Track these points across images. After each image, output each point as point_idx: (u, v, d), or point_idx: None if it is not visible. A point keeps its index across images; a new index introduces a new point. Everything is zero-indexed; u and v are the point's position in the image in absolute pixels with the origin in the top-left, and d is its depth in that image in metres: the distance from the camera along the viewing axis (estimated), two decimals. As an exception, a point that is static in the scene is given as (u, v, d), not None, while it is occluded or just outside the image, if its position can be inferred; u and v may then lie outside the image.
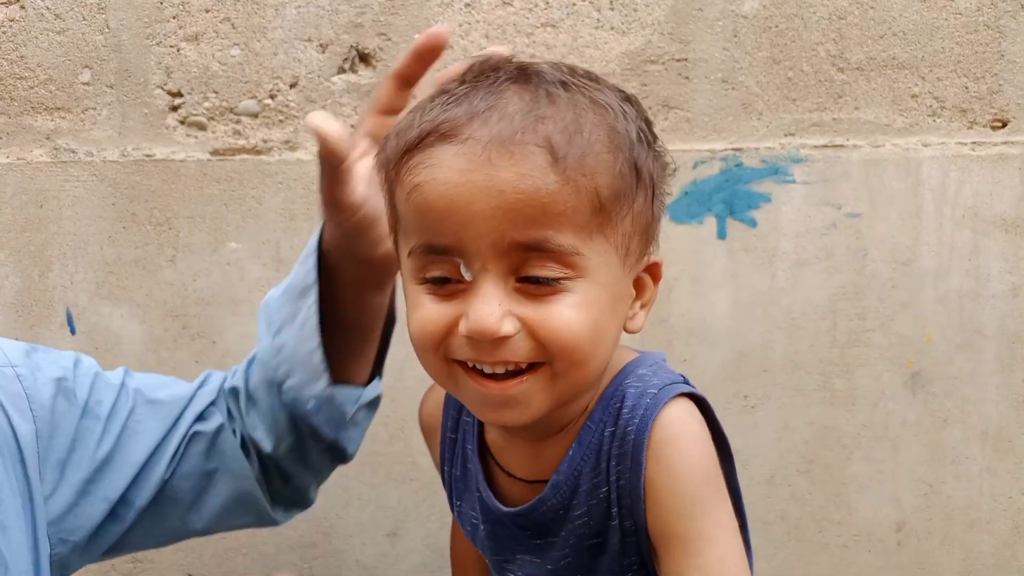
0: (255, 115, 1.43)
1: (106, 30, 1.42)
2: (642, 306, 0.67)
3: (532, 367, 0.60)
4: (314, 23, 1.41)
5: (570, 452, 0.67)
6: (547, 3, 1.37)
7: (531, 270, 0.58)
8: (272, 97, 1.43)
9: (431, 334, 0.61)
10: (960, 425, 1.27)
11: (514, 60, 0.64)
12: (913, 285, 1.28)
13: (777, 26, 1.32)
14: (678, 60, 1.35)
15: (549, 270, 0.58)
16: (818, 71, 1.31)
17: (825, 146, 1.30)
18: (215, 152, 1.43)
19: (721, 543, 0.62)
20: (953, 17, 1.29)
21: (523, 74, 0.61)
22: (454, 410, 0.77)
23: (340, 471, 1.39)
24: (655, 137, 0.66)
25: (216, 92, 1.43)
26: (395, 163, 0.61)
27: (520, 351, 0.59)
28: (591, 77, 0.64)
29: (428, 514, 1.39)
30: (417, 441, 1.37)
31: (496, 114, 0.58)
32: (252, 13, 1.42)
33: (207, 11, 1.43)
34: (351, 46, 1.41)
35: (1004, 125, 1.29)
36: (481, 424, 0.75)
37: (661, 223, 0.68)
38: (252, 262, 1.40)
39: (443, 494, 1.36)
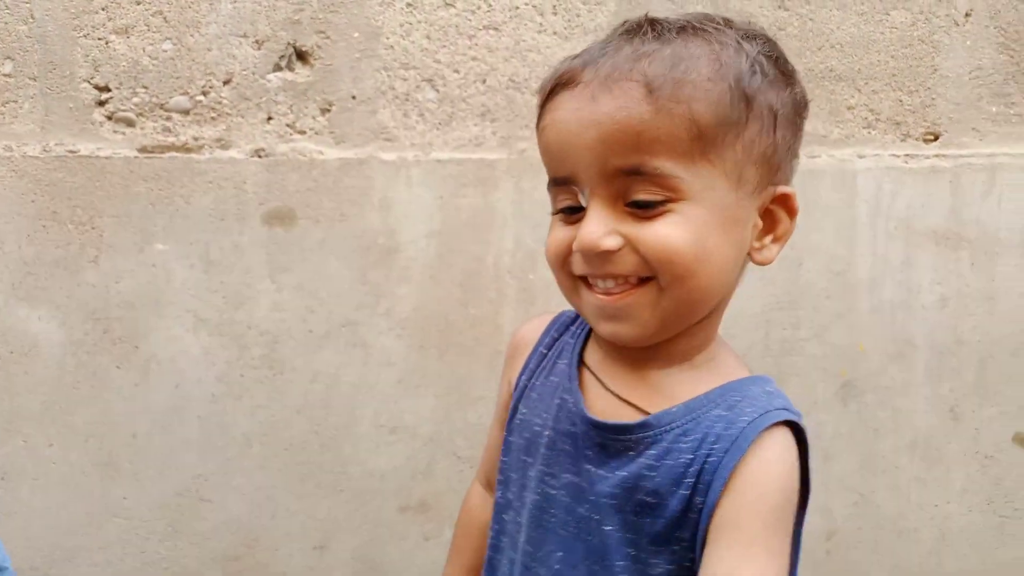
0: (186, 112, 1.40)
1: (30, 20, 1.38)
2: (774, 239, 0.69)
3: (642, 283, 0.65)
4: (250, 19, 1.39)
5: (674, 409, 0.68)
6: (489, 5, 1.37)
7: (635, 194, 0.63)
8: (205, 94, 1.39)
9: (557, 253, 0.69)
10: (891, 435, 1.30)
11: (648, 14, 0.70)
12: (847, 295, 1.30)
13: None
14: (619, 67, 1.36)
15: (651, 193, 0.63)
16: (757, 81, 1.33)
17: (763, 156, 1.32)
18: (143, 149, 1.39)
19: (776, 561, 0.62)
20: (889, 31, 1.33)
21: (647, 23, 0.67)
22: (556, 331, 0.81)
23: (267, 479, 1.36)
24: (785, 73, 0.68)
25: (146, 87, 1.40)
26: (537, 113, 0.70)
27: (626, 264, 0.64)
28: (720, 21, 0.68)
29: (359, 526, 1.36)
30: (350, 450, 1.36)
31: (606, 59, 0.65)
32: (185, 7, 1.39)
33: (138, 3, 1.39)
34: (288, 43, 1.39)
35: (936, 138, 1.32)
36: (583, 344, 0.78)
37: (796, 157, 0.71)
38: (179, 264, 1.37)
39: (375, 505, 1.35)
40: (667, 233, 0.63)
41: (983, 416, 1.29)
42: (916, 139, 1.32)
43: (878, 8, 1.32)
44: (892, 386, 1.30)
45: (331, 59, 1.38)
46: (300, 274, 1.36)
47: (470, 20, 1.37)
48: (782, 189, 0.68)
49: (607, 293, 0.66)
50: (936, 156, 1.31)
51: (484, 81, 1.37)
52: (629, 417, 0.69)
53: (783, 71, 0.69)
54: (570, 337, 0.79)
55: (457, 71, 1.37)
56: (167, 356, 1.38)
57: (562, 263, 0.69)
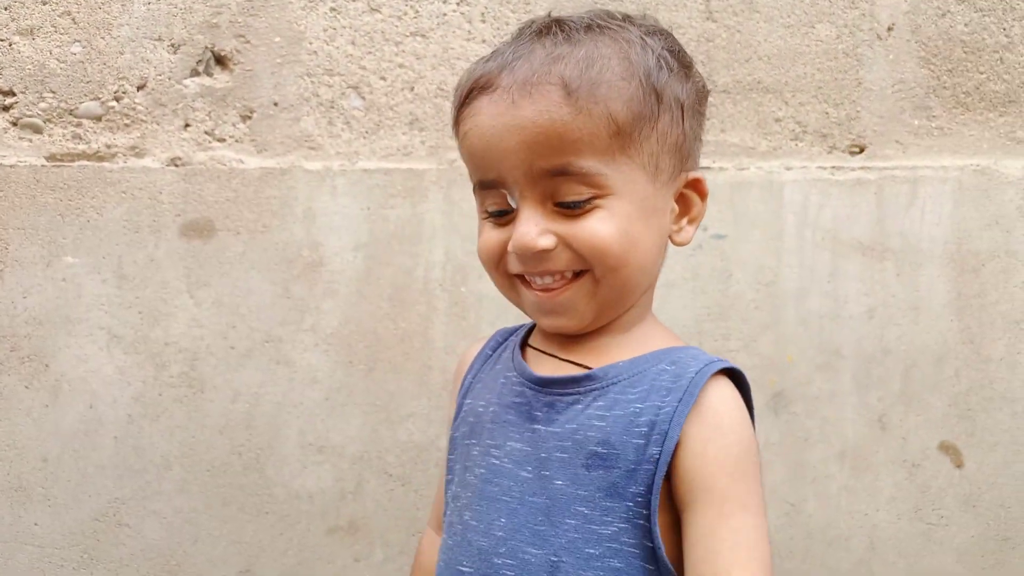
0: (98, 118, 1.34)
1: (-74, 19, 1.31)
2: (689, 221, 0.75)
3: (577, 276, 0.70)
4: (165, 21, 1.34)
5: (619, 363, 0.71)
6: (416, 12, 1.35)
7: (563, 196, 0.68)
8: (117, 99, 1.34)
9: (490, 254, 0.72)
10: (820, 444, 1.32)
11: (551, 14, 0.74)
12: (775, 306, 1.32)
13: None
14: (549, 76, 1.35)
15: (577, 193, 0.67)
16: (686, 92, 1.34)
17: (693, 167, 1.33)
18: (51, 157, 1.33)
19: (755, 512, 0.65)
20: (814, 44, 1.35)
21: (554, 24, 0.71)
22: (500, 337, 0.85)
23: (188, 503, 1.32)
24: (685, 64, 0.74)
25: (54, 92, 1.34)
26: (454, 119, 0.73)
27: (561, 261, 0.69)
28: (621, 18, 0.73)
29: (285, 549, 1.33)
30: (274, 471, 1.32)
31: (522, 62, 0.68)
32: (96, 7, 1.34)
33: (44, 3, 1.33)
34: (206, 47, 1.35)
35: (862, 151, 1.35)
36: (526, 336, 0.82)
37: (700, 143, 0.76)
38: (91, 278, 1.31)
39: (302, 527, 1.32)
40: (597, 228, 0.68)
41: (909, 424, 1.32)
42: (842, 151, 1.35)
43: (803, 21, 1.34)
44: (820, 396, 1.32)
45: (251, 64, 1.35)
46: (220, 288, 1.32)
47: (396, 26, 1.35)
48: (693, 174, 0.74)
49: (546, 290, 0.71)
50: (861, 168, 1.33)
51: (412, 89, 1.35)
52: (573, 372, 0.73)
53: (683, 63, 0.74)
54: (514, 337, 0.83)
55: (384, 78, 1.35)
56: (79, 375, 1.32)
57: (496, 263, 0.73)
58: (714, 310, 1.32)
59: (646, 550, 0.65)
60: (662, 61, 0.70)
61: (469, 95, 0.71)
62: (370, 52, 1.35)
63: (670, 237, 0.74)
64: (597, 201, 0.68)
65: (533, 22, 0.73)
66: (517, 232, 0.68)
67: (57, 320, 1.32)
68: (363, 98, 1.35)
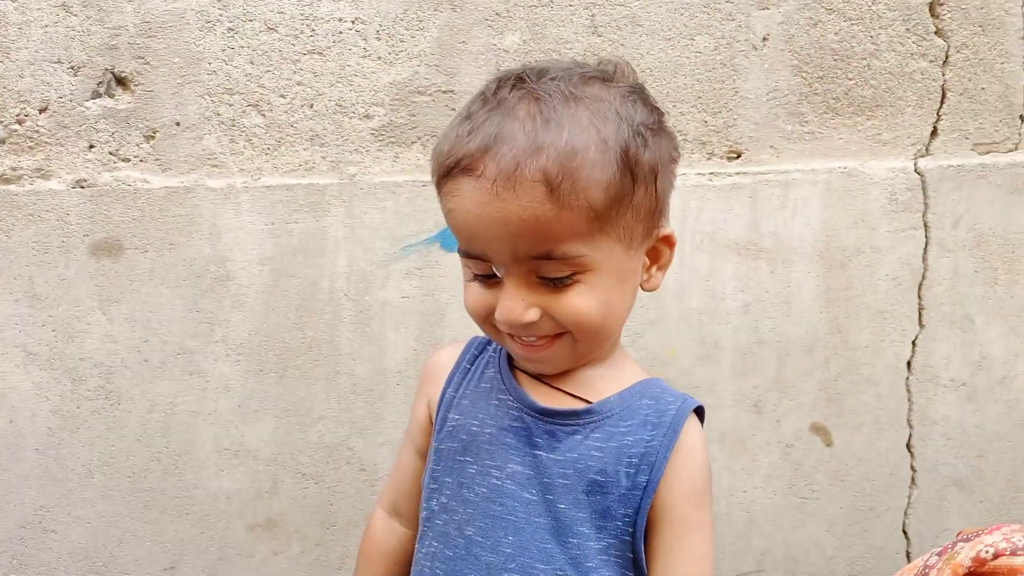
0: (2, 142, 1.39)
1: None
2: (659, 268, 0.81)
3: (559, 335, 0.76)
4: (63, 44, 1.39)
5: (611, 398, 0.80)
6: (312, 30, 1.42)
7: (545, 272, 0.73)
8: (20, 122, 1.40)
9: (479, 314, 0.78)
10: (702, 430, 1.46)
11: (530, 69, 0.75)
12: (659, 305, 1.44)
13: (535, 60, 1.43)
14: (444, 91, 1.44)
15: (559, 271, 0.73)
16: (574, 104, 1.44)
17: (580, 176, 1.43)
18: (-43, 181, 1.39)
19: (708, 538, 0.78)
20: (694, 56, 1.45)
21: (535, 92, 0.72)
22: (476, 350, 0.89)
23: (111, 508, 1.42)
24: (658, 124, 0.77)
25: (-45, 116, 1.39)
26: (436, 184, 0.77)
27: (544, 328, 0.75)
28: (598, 79, 0.75)
29: (207, 546, 1.43)
30: (192, 475, 1.42)
31: (504, 146, 0.70)
32: (-7, 31, 1.38)
33: (-60, 28, 1.37)
34: (106, 69, 1.41)
35: (738, 156, 1.47)
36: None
37: (671, 192, 0.80)
38: (3, 298, 1.39)
39: (221, 526, 1.42)
40: (579, 303, 0.74)
41: (782, 409, 1.46)
42: (720, 157, 1.46)
43: (683, 34, 1.45)
44: (701, 384, 1.45)
45: (152, 85, 1.41)
46: (131, 305, 1.40)
47: (293, 45, 1.42)
48: (664, 232, 0.79)
49: (530, 346, 0.78)
50: (737, 173, 1.45)
51: (311, 106, 1.43)
52: (572, 405, 0.81)
53: (657, 125, 0.77)
54: (492, 352, 0.88)
55: (283, 96, 1.42)
56: (-3, 392, 1.40)
57: (485, 319, 0.78)
58: (602, 310, 1.44)
59: (627, 559, 0.78)
60: (639, 131, 0.73)
61: (451, 172, 0.73)
62: (268, 71, 1.42)
63: (641, 285, 0.80)
64: (578, 276, 0.73)
65: (509, 80, 0.75)
66: (503, 306, 0.74)
67: (-28, 340, 1.39)
68: (263, 116, 1.43)
